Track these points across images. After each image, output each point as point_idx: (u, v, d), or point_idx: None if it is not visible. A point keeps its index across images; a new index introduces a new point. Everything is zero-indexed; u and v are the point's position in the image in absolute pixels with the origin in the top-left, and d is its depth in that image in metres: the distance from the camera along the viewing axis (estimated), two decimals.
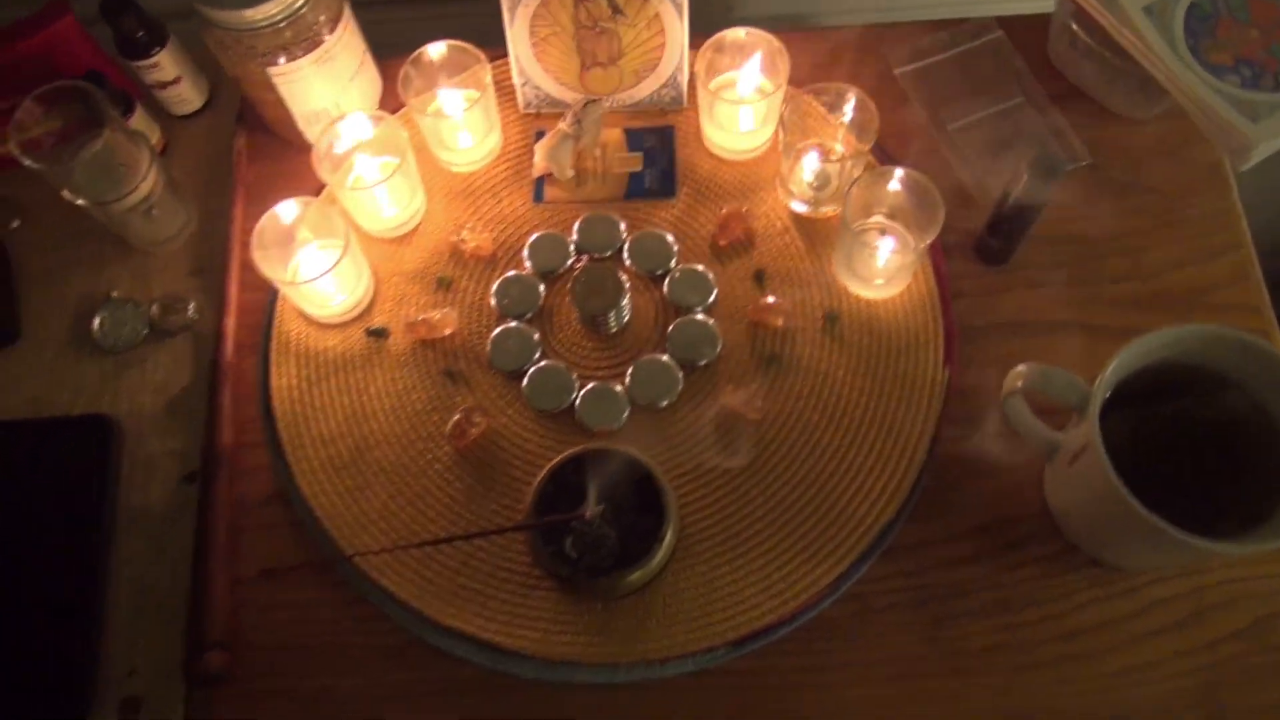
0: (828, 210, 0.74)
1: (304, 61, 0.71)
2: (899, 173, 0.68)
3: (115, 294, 0.76)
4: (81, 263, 0.78)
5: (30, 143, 0.69)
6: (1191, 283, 0.73)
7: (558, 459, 0.65)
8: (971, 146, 0.77)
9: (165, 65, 0.77)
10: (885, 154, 0.78)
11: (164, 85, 0.78)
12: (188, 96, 0.81)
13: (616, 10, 0.73)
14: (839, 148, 0.74)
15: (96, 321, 0.74)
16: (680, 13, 0.72)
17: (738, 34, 0.74)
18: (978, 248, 0.74)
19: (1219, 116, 0.63)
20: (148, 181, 0.72)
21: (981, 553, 0.66)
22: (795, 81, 0.75)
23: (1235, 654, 0.62)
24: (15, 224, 0.79)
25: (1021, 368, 0.60)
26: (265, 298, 0.75)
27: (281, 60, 0.70)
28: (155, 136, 0.80)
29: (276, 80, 0.71)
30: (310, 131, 0.77)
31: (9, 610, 0.66)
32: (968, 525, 0.67)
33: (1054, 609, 0.64)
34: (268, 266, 0.68)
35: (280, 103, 0.74)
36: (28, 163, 0.67)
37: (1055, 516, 0.66)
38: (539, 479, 0.65)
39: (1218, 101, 0.63)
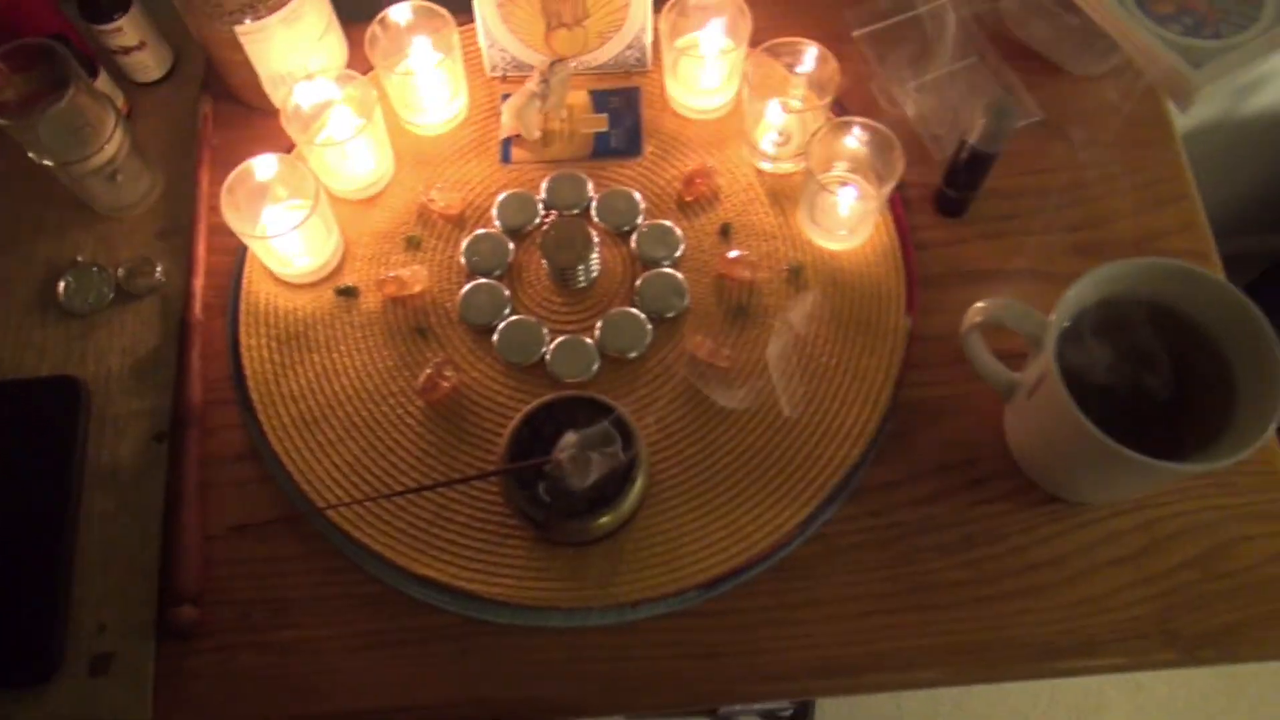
0: (790, 166, 0.76)
1: (271, 20, 0.71)
2: (859, 123, 0.70)
3: (80, 258, 0.75)
4: (45, 228, 0.77)
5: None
6: (1142, 231, 0.75)
7: (530, 405, 0.66)
8: (928, 104, 0.79)
9: (128, 30, 0.77)
10: (844, 110, 0.79)
11: (127, 51, 0.78)
12: (150, 64, 0.80)
13: None
14: (800, 104, 0.76)
15: (61, 285, 0.74)
16: None
17: None
18: (936, 200, 0.75)
19: (1163, 62, 0.66)
20: (113, 143, 0.72)
21: (945, 491, 0.67)
22: (757, 41, 0.76)
23: (1188, 581, 0.64)
24: None
25: (980, 303, 0.62)
26: (233, 261, 0.75)
27: (248, 20, 0.71)
28: (119, 102, 0.80)
29: (243, 39, 0.72)
30: (276, 95, 0.77)
31: None
32: (931, 465, 0.68)
33: (1015, 543, 0.66)
34: (237, 220, 0.69)
35: (247, 64, 0.74)
36: None
37: (1015, 455, 0.68)
38: (512, 426, 0.66)
39: (1161, 48, 0.66)
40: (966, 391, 0.70)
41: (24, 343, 0.74)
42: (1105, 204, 0.76)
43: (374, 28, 0.74)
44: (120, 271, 0.75)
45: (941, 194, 0.74)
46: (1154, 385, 0.65)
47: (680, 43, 0.77)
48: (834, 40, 0.81)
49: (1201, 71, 0.65)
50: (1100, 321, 0.62)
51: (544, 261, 0.72)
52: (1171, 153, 0.77)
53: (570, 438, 0.62)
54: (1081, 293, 0.59)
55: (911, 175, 0.77)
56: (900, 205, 0.75)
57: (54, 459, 0.69)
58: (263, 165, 0.70)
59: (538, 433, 0.65)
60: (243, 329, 0.73)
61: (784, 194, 0.76)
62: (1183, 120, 0.81)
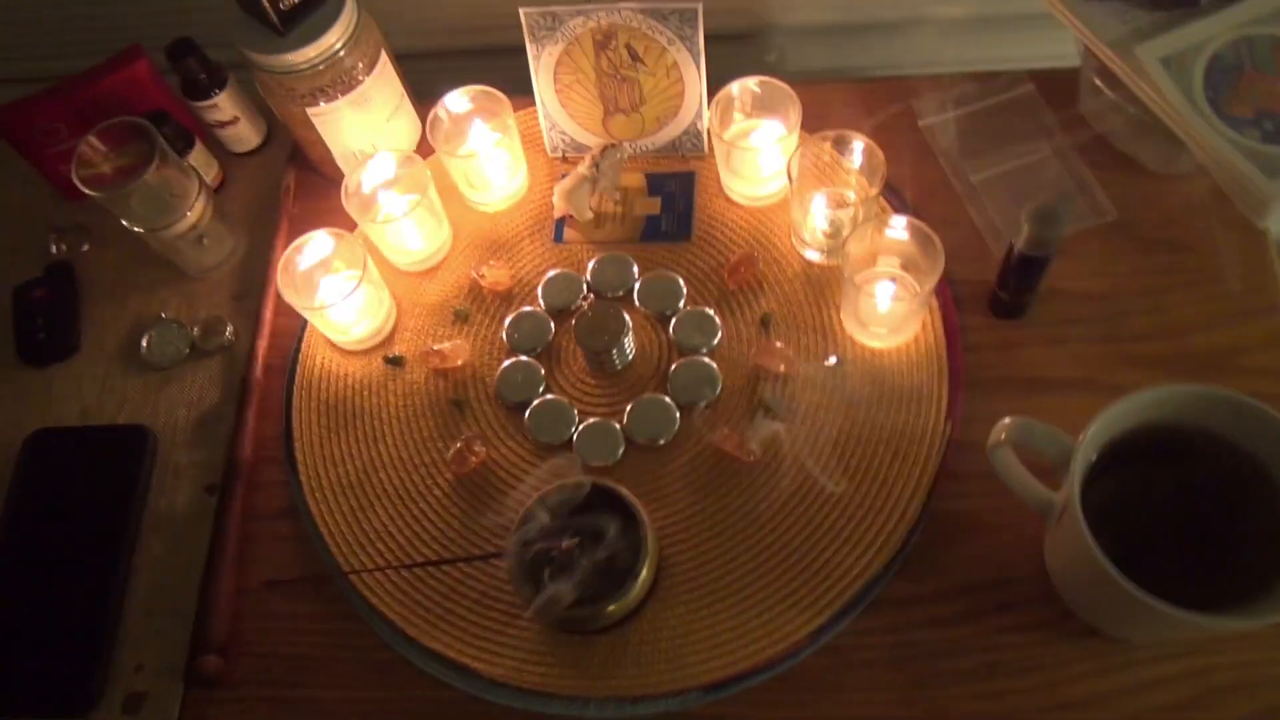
0: (836, 258, 0.74)
1: (340, 102, 0.76)
2: (898, 220, 0.68)
3: (164, 315, 0.81)
4: (138, 285, 0.84)
5: (95, 177, 0.76)
6: (1220, 345, 0.69)
7: (545, 489, 0.66)
8: (993, 199, 0.75)
9: (224, 106, 0.83)
10: (905, 204, 0.77)
11: (223, 125, 0.85)
12: (245, 136, 0.87)
13: (635, 58, 0.75)
14: (851, 195, 0.74)
15: (145, 340, 0.80)
16: (696, 62, 0.74)
17: (749, 83, 0.75)
18: (991, 301, 0.72)
19: (1235, 170, 0.61)
20: (195, 211, 0.77)
21: (971, 613, 0.63)
22: (818, 128, 0.75)
23: None
24: (85, 248, 0.86)
25: (1005, 420, 0.59)
26: (297, 324, 0.80)
27: (320, 102, 0.75)
28: (213, 172, 0.86)
29: (315, 120, 0.76)
30: (349, 169, 0.81)
31: (35, 599, 0.71)
32: (959, 583, 0.64)
33: (1045, 677, 0.61)
34: (292, 293, 0.73)
35: (321, 142, 0.79)
36: (88, 192, 0.73)
37: (1053, 579, 0.63)
38: (525, 508, 0.66)
39: (1234, 155, 0.61)
40: (1005, 506, 0.65)
41: (109, 390, 0.80)
42: (1179, 313, 0.70)
43: (435, 111, 0.77)
44: (196, 330, 0.80)
45: (994, 295, 0.71)
46: (1204, 523, 0.59)
47: (733, 131, 0.77)
48: (903, 130, 0.79)
49: (1277, 182, 0.60)
50: (1143, 448, 0.57)
51: (578, 344, 0.73)
52: (1261, 261, 0.71)
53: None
54: (1111, 422, 0.55)
55: (968, 273, 0.74)
56: (952, 304, 0.72)
57: (119, 502, 0.74)
58: (319, 242, 0.74)
59: (551, 517, 0.65)
60: (297, 391, 0.77)
61: (829, 286, 0.74)
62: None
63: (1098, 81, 0.71)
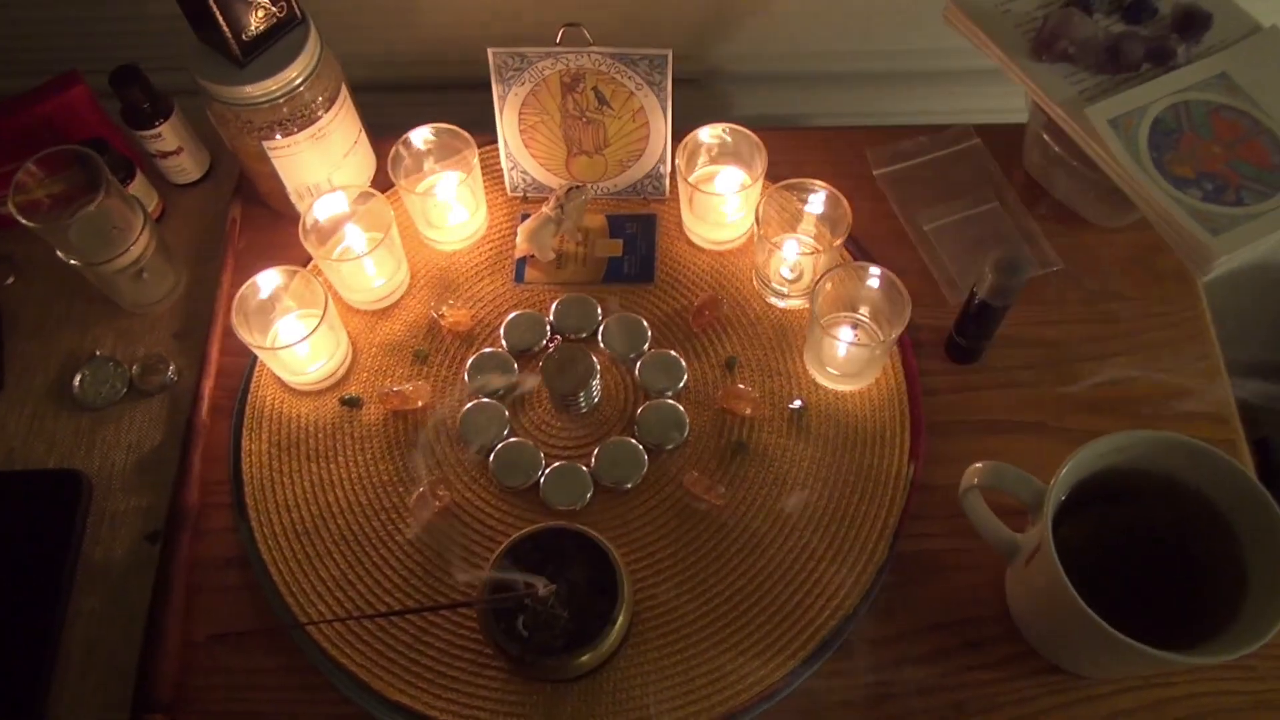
0: (799, 303, 0.76)
1: (300, 137, 0.74)
2: (870, 269, 0.70)
3: (99, 352, 0.77)
4: (70, 320, 0.80)
5: (30, 204, 0.72)
6: (1161, 389, 0.73)
7: (516, 535, 0.65)
8: (945, 247, 0.78)
9: (167, 136, 0.80)
10: (862, 251, 0.79)
11: (165, 155, 0.81)
12: (187, 167, 0.83)
13: (603, 101, 0.75)
14: (812, 242, 0.76)
15: (77, 379, 0.76)
16: (664, 107, 0.75)
17: (718, 130, 0.76)
18: (948, 346, 0.74)
19: (1181, 227, 0.64)
20: (139, 245, 0.74)
21: (939, 652, 0.65)
22: (775, 178, 0.77)
23: None
24: (10, 280, 0.81)
25: (977, 465, 0.60)
26: (245, 363, 0.77)
27: (277, 135, 0.73)
28: (153, 203, 0.82)
29: (272, 154, 0.74)
30: (302, 204, 0.79)
31: None
32: (927, 623, 0.66)
33: (1011, 713, 0.63)
34: (246, 331, 0.70)
35: (274, 175, 0.76)
36: (24, 222, 0.69)
37: (1015, 619, 0.65)
38: (497, 554, 0.65)
39: (1179, 213, 0.65)
40: (968, 546, 0.67)
41: (36, 431, 0.75)
42: (1123, 359, 0.74)
43: (398, 148, 0.76)
44: (135, 368, 0.76)
45: (952, 340, 0.73)
46: (1161, 562, 0.62)
47: (696, 176, 0.78)
48: (857, 178, 0.82)
49: (1220, 239, 0.64)
50: (1105, 490, 0.60)
51: (544, 386, 0.72)
52: (1195, 310, 0.75)
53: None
54: (1080, 465, 0.57)
55: (926, 318, 0.76)
56: (911, 349, 0.74)
57: (49, 554, 0.69)
58: (273, 278, 0.72)
59: (522, 563, 0.64)
60: (246, 433, 0.74)
61: (792, 330, 0.76)
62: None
63: (1045, 137, 0.75)
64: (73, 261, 0.73)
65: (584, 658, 0.62)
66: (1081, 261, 0.78)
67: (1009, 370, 0.74)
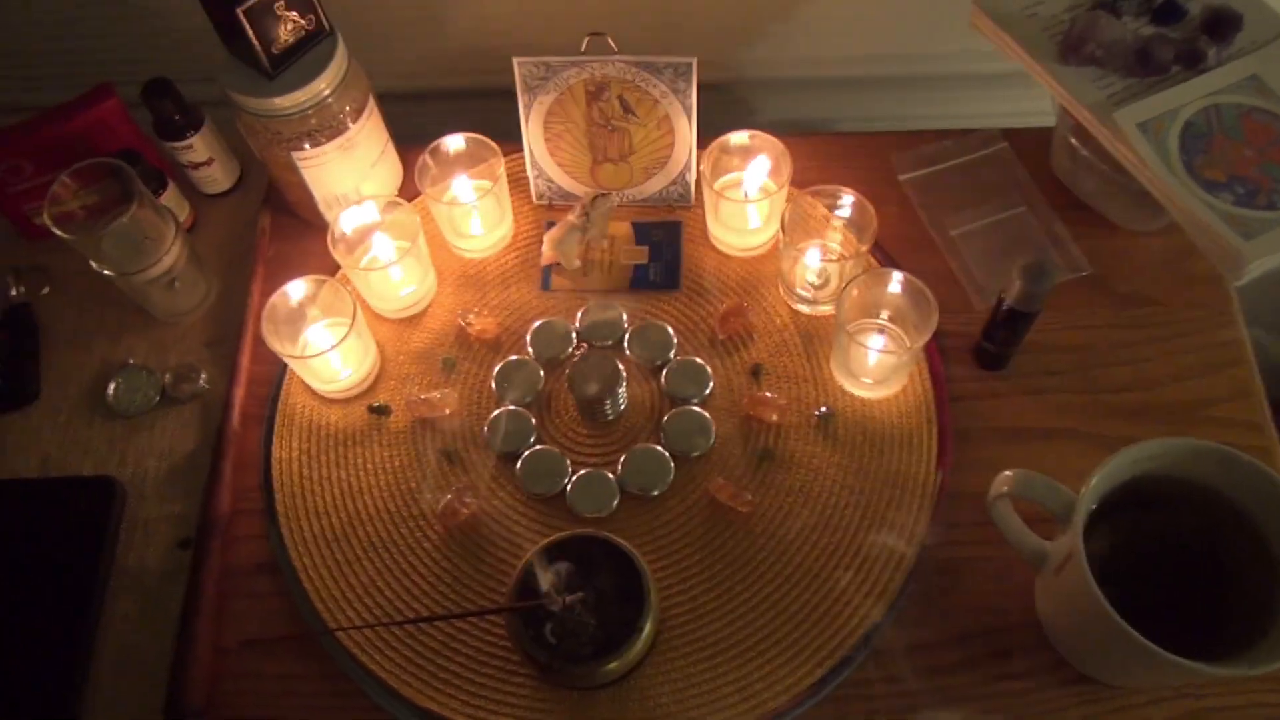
0: (826, 309, 0.75)
1: (328, 148, 0.74)
2: (895, 275, 0.69)
3: (132, 361, 0.78)
4: (103, 330, 0.81)
5: (64, 215, 0.73)
6: (1192, 396, 0.72)
7: (543, 543, 0.65)
8: (972, 253, 0.78)
9: (198, 148, 0.81)
10: (887, 257, 0.79)
11: (196, 166, 0.82)
12: (218, 177, 0.85)
13: (628, 110, 0.75)
14: (838, 248, 0.75)
15: (111, 387, 0.77)
16: (689, 115, 0.75)
17: (743, 136, 0.76)
18: (975, 352, 0.74)
19: (1212, 232, 0.64)
20: (171, 255, 0.75)
21: (968, 661, 0.64)
22: (801, 183, 0.77)
23: None
24: (45, 290, 0.83)
25: (1007, 473, 0.60)
26: (275, 371, 0.77)
27: (306, 146, 0.74)
28: (185, 213, 0.83)
29: (300, 164, 0.75)
30: (330, 214, 0.80)
31: None
32: (955, 632, 0.65)
33: None
34: (276, 341, 0.71)
35: (303, 185, 0.77)
36: (59, 233, 0.71)
37: (1045, 628, 0.64)
38: (524, 561, 0.65)
39: (1211, 217, 0.64)
40: (997, 555, 0.67)
41: (71, 439, 0.76)
42: (1153, 366, 0.73)
43: (424, 157, 0.77)
44: (168, 376, 0.77)
45: (980, 347, 0.73)
46: (1193, 570, 0.61)
47: (722, 183, 0.78)
48: (882, 184, 0.81)
49: (1253, 244, 0.63)
50: (1136, 499, 0.59)
51: (571, 393, 0.72)
52: (1227, 315, 0.75)
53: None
54: (1111, 474, 0.56)
55: (952, 324, 0.75)
56: (938, 355, 0.74)
57: (85, 559, 0.70)
58: (304, 287, 0.72)
59: (550, 570, 0.65)
60: (276, 440, 0.75)
61: (818, 337, 0.75)
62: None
63: (1073, 141, 0.74)
64: (106, 272, 0.74)
65: (612, 665, 0.63)
66: (1111, 266, 0.77)
67: (1038, 376, 0.74)
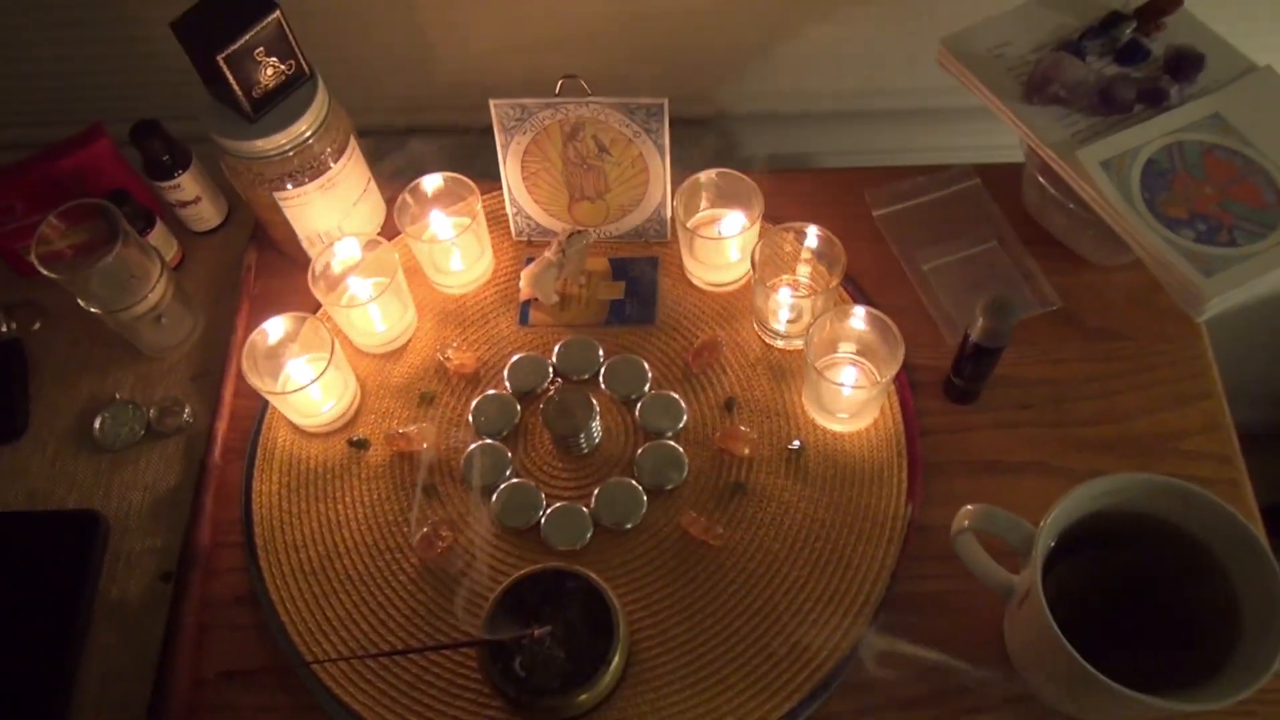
0: (798, 343, 0.76)
1: (310, 187, 0.76)
2: (861, 310, 0.70)
3: (119, 395, 0.80)
4: (92, 365, 0.82)
5: (52, 254, 0.75)
6: (1162, 429, 0.73)
7: (514, 577, 0.66)
8: (944, 287, 0.79)
9: (186, 186, 0.83)
10: (860, 291, 0.80)
11: (184, 204, 0.84)
12: (206, 215, 0.86)
13: (602, 149, 0.77)
14: (809, 282, 0.76)
15: (98, 421, 0.78)
16: (662, 154, 0.76)
17: (716, 175, 0.78)
18: (945, 386, 0.75)
19: (1174, 268, 0.65)
20: (156, 292, 0.76)
21: (935, 695, 0.65)
22: (776, 219, 0.78)
23: None
24: (36, 326, 0.84)
25: (968, 507, 0.61)
26: (258, 405, 0.79)
27: (288, 186, 0.76)
28: (172, 251, 0.85)
29: (283, 204, 0.77)
30: (314, 251, 0.81)
31: None
32: (924, 665, 0.66)
33: None
34: (256, 377, 0.72)
35: (286, 224, 0.79)
36: (46, 273, 0.72)
37: (1013, 661, 0.65)
38: (495, 595, 0.66)
39: (1172, 254, 0.65)
40: (966, 588, 0.67)
41: (58, 472, 0.78)
42: (1123, 399, 0.74)
43: (404, 196, 0.78)
44: (153, 411, 0.79)
45: (950, 381, 0.73)
46: (1156, 605, 0.62)
47: (696, 219, 0.79)
48: (856, 219, 0.83)
49: (1213, 281, 0.64)
50: (1098, 534, 0.60)
51: (545, 428, 0.73)
52: (1197, 349, 0.75)
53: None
54: (1070, 509, 0.57)
55: (923, 358, 0.76)
56: (908, 389, 0.75)
57: (68, 591, 0.72)
58: (283, 325, 0.74)
59: (520, 604, 0.65)
60: (257, 474, 0.76)
61: (790, 371, 0.76)
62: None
63: (1040, 179, 0.75)
64: (93, 309, 0.76)
65: (581, 698, 0.63)
66: (1081, 300, 0.78)
67: (1008, 410, 0.74)
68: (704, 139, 0.98)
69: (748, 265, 0.79)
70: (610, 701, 0.66)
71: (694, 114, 0.95)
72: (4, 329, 0.84)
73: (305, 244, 0.81)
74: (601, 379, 0.77)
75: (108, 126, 0.83)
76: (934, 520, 0.70)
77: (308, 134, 0.74)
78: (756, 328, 0.78)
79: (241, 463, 0.77)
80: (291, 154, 0.74)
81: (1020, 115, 0.71)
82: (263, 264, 0.86)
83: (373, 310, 0.76)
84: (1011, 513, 0.59)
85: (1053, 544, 0.58)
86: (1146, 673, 0.53)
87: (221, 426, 0.78)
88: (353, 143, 0.78)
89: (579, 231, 0.79)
